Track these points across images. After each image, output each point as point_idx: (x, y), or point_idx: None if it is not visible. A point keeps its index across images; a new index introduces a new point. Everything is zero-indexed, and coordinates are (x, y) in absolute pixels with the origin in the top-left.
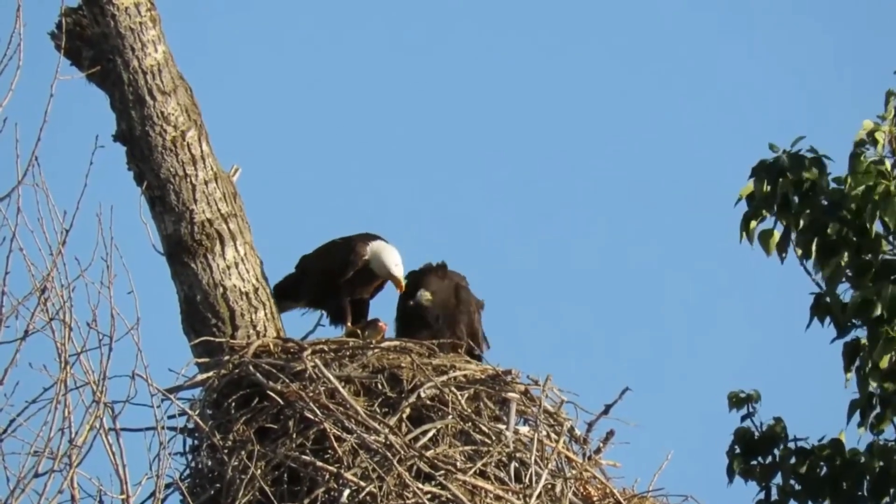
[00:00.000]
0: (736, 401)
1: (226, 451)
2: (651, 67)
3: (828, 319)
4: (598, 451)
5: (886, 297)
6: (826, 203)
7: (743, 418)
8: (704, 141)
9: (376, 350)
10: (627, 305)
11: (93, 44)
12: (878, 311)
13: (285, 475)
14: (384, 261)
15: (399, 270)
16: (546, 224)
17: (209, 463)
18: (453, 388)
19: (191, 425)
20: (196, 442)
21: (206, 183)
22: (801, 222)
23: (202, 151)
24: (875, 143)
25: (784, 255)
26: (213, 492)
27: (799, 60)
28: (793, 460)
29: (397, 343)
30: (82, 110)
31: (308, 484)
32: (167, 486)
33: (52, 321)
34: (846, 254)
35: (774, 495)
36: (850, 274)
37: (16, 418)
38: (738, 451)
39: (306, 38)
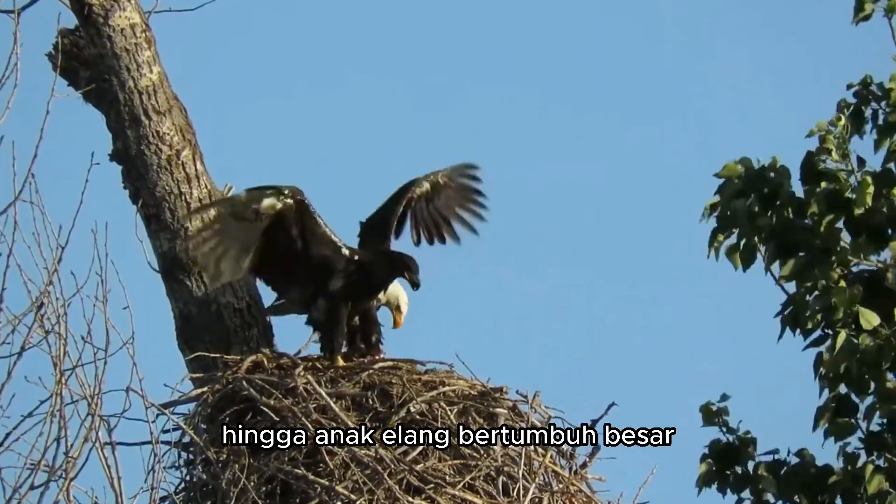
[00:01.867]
0: (708, 414)
1: (220, 464)
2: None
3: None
4: (584, 465)
5: (845, 300)
6: (789, 212)
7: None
8: (675, 154)
9: (369, 370)
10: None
11: (89, 64)
12: (840, 314)
13: (278, 488)
14: (398, 292)
15: (405, 307)
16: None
17: (203, 476)
18: (442, 404)
19: (185, 439)
20: (191, 456)
21: (199, 201)
22: (765, 233)
23: (196, 171)
24: (828, 151)
25: (749, 266)
26: None
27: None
28: (764, 472)
29: (390, 364)
30: (79, 128)
31: (301, 496)
32: (162, 499)
33: (48, 335)
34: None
35: None
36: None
37: (12, 431)
38: (711, 462)
39: (298, 58)
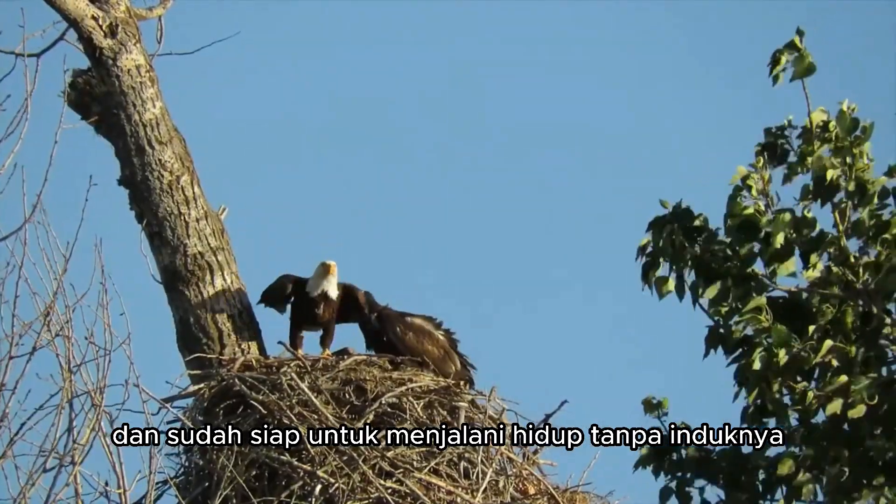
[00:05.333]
0: (649, 406)
1: (214, 451)
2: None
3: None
4: (535, 451)
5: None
6: (712, 244)
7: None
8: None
9: (346, 365)
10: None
11: (100, 100)
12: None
13: (266, 472)
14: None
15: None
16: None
17: (199, 462)
18: (410, 398)
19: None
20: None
21: (197, 221)
22: (692, 264)
23: (194, 194)
24: (749, 188)
25: (681, 296)
26: (202, 487)
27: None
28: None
29: (364, 357)
30: (83, 157)
31: (285, 480)
32: (162, 483)
33: (55, 338)
34: (730, 284)
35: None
36: (735, 306)
37: (26, 422)
38: (648, 447)
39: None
